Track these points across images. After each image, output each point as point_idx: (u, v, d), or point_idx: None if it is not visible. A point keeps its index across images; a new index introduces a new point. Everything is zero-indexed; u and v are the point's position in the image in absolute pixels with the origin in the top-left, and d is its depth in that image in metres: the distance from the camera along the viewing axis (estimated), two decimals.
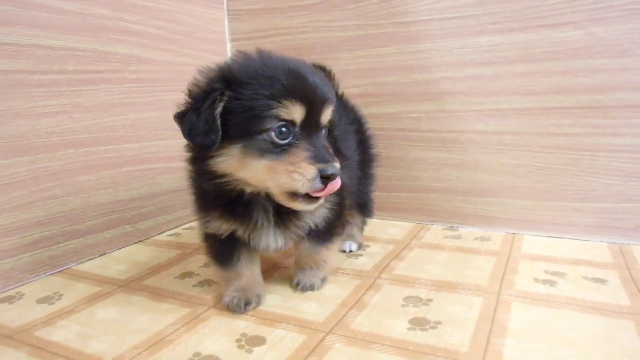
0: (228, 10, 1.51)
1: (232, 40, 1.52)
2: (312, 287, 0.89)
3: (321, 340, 0.72)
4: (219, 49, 1.49)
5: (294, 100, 0.68)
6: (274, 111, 0.67)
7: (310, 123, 0.71)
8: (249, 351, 0.70)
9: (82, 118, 1.07)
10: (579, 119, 1.12)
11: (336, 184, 0.69)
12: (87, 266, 1.07)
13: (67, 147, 1.04)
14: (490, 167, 1.23)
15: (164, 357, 0.69)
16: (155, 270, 1.04)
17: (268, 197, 0.77)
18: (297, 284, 0.90)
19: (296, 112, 0.69)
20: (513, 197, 1.22)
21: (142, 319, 0.81)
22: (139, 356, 0.70)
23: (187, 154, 0.82)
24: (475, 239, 1.19)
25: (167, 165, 1.32)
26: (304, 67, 0.74)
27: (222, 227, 0.81)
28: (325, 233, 0.87)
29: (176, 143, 1.33)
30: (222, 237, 0.82)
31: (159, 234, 1.30)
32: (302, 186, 0.68)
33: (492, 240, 1.17)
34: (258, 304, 0.84)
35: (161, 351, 0.71)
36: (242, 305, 0.82)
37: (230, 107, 0.69)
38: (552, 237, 1.18)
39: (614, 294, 0.86)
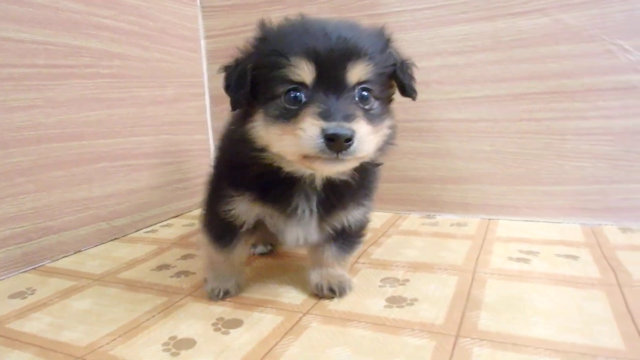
0: (202, 7, 1.51)
1: (207, 37, 1.52)
2: (342, 291, 0.80)
3: (298, 321, 0.72)
4: (194, 46, 1.49)
5: (301, 57, 0.60)
6: (282, 71, 0.61)
7: (329, 83, 0.61)
8: (226, 333, 0.70)
9: (54, 113, 1.06)
10: (548, 104, 1.15)
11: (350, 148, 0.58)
12: (62, 263, 1.05)
13: (39, 142, 1.03)
14: (465, 154, 1.25)
15: (138, 342, 0.68)
16: (131, 264, 1.02)
17: (311, 183, 0.71)
18: (320, 287, 0.80)
19: (304, 71, 0.61)
20: (488, 183, 1.24)
21: (117, 309, 0.80)
22: (113, 342, 0.69)
23: (230, 123, 0.77)
24: (452, 225, 1.20)
25: (143, 162, 1.30)
26: (334, 24, 0.65)
27: (251, 211, 0.74)
28: (353, 239, 0.83)
29: (152, 140, 1.33)
30: (240, 223, 0.76)
31: (136, 231, 1.28)
32: (303, 145, 0.59)
33: (469, 226, 1.18)
34: (236, 293, 0.83)
35: (136, 337, 0.70)
36: (220, 295, 0.81)
37: (258, 65, 0.64)
38: (527, 220, 1.20)
39: (586, 268, 0.88)
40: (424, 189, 1.31)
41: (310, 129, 0.58)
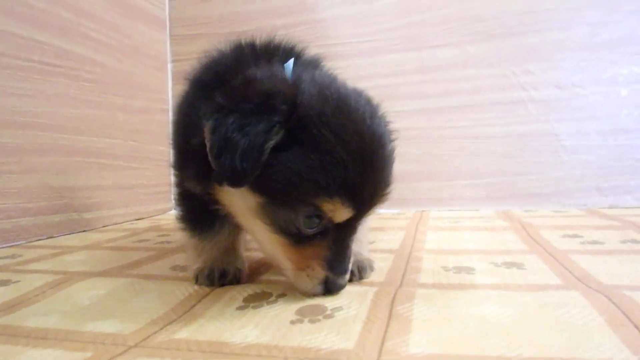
0: (170, 35, 1.70)
1: (173, 61, 1.70)
2: (363, 271, 0.67)
3: None
4: (161, 66, 1.66)
5: (347, 203, 0.52)
6: (317, 199, 0.52)
7: (351, 222, 0.56)
8: None
9: (42, 104, 1.16)
10: (463, 114, 1.45)
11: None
12: (37, 243, 1.09)
13: (26, 128, 1.11)
14: (400, 157, 1.47)
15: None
16: (111, 240, 1.10)
17: None
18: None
19: (342, 215, 0.54)
20: (419, 180, 1.49)
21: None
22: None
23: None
24: (393, 214, 1.42)
25: (112, 163, 1.40)
26: (380, 143, 0.59)
27: None
28: None
29: (121, 143, 1.44)
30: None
31: (103, 226, 1.34)
32: (304, 287, 0.57)
33: (406, 214, 1.40)
34: (238, 278, 0.66)
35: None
36: (215, 276, 0.65)
37: (277, 145, 0.51)
38: (451, 210, 1.45)
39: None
40: None
41: (317, 278, 0.56)
